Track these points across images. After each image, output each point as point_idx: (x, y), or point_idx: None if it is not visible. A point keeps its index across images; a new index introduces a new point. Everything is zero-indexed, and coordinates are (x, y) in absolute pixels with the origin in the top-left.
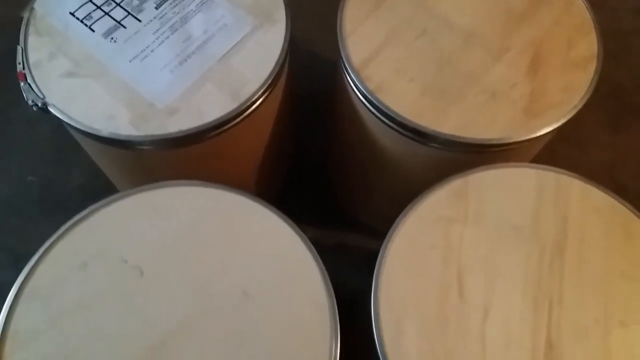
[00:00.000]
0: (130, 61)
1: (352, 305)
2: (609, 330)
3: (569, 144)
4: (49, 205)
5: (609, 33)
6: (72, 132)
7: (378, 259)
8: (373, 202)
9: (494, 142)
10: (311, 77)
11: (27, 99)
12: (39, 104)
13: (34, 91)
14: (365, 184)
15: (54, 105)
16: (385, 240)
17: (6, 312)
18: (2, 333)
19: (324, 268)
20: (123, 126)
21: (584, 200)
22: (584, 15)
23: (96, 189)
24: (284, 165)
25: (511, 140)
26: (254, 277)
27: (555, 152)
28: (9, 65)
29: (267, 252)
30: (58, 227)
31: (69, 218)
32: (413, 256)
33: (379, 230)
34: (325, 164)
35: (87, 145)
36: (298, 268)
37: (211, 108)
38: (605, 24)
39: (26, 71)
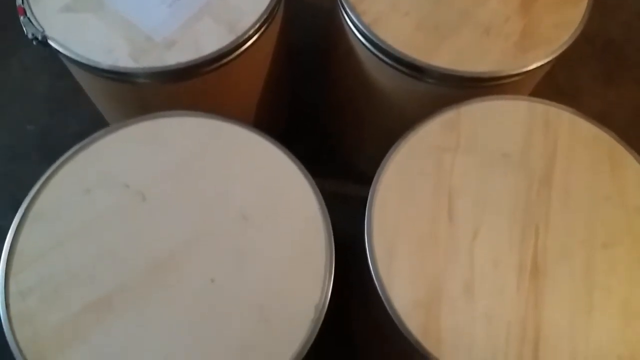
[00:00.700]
0: None
1: (347, 251)
2: (593, 252)
3: (562, 97)
4: (48, 152)
5: None
6: (71, 67)
7: (372, 185)
8: (368, 144)
9: (486, 75)
10: (306, 29)
11: (27, 33)
12: (39, 37)
13: (33, 25)
14: (361, 125)
15: (53, 39)
16: (379, 168)
17: (12, 233)
18: (8, 253)
19: (319, 193)
20: (122, 59)
21: (572, 130)
22: None
23: None
24: (280, 111)
25: (503, 74)
26: (252, 203)
27: None
28: (8, 10)
29: (265, 179)
30: None
31: None
32: (405, 183)
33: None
34: (321, 112)
35: (85, 81)
36: (295, 194)
37: (209, 41)
38: None
39: (25, 5)
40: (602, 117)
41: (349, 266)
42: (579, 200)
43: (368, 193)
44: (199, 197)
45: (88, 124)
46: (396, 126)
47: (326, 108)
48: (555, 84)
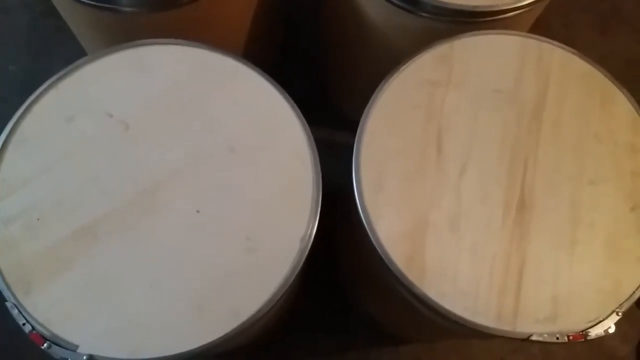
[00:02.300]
0: None
1: (337, 197)
2: (579, 188)
3: None
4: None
5: None
6: None
7: (362, 117)
8: (360, 86)
9: (479, 9)
10: None
11: None
12: None
13: None
14: (354, 65)
15: None
16: (370, 100)
17: None
18: None
19: (307, 125)
20: None
21: (564, 66)
22: None
23: None
24: (271, 50)
25: (498, 8)
26: (239, 135)
27: None
28: None
29: (252, 112)
30: None
31: None
32: (395, 115)
33: None
34: (315, 56)
35: (67, 12)
36: (282, 126)
37: None
38: None
39: None
40: None
41: (337, 212)
42: (568, 136)
43: None
44: (184, 127)
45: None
46: (389, 66)
47: (319, 50)
48: (550, 32)
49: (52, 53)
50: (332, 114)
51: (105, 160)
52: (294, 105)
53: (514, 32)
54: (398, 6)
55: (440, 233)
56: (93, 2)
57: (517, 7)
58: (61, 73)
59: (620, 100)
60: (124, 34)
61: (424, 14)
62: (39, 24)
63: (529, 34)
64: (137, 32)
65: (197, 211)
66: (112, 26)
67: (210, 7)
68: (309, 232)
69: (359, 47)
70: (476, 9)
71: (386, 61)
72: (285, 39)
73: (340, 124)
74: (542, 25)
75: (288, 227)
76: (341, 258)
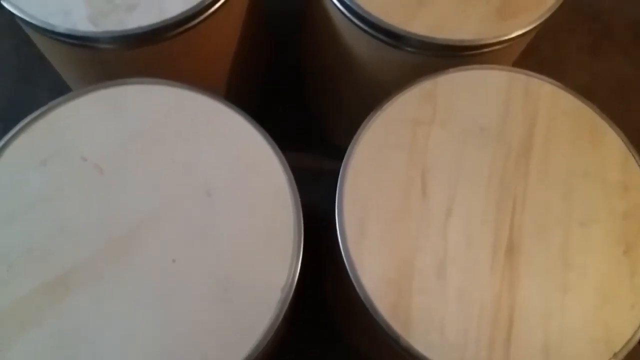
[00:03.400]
0: None
1: (323, 225)
2: (570, 229)
3: (546, 67)
4: (15, 123)
5: None
6: (28, 31)
7: (344, 158)
8: (345, 115)
9: (465, 43)
10: None
11: None
12: None
13: None
14: (338, 94)
15: (7, 0)
16: (353, 140)
17: None
18: None
19: (288, 167)
20: (80, 22)
21: (552, 102)
22: None
23: None
24: (254, 78)
25: (483, 42)
26: (217, 177)
27: None
28: None
29: (230, 153)
30: None
31: None
32: (379, 156)
33: None
34: (299, 81)
35: (45, 47)
36: (262, 168)
37: (173, 3)
38: None
39: None
40: (586, 89)
41: (322, 240)
42: (557, 175)
43: None
44: (160, 170)
45: (56, 92)
46: (374, 96)
47: (304, 76)
48: (539, 53)
49: (35, 82)
50: (318, 138)
51: (78, 207)
52: (274, 145)
53: (499, 66)
54: (382, 41)
55: (427, 279)
56: (69, 40)
57: (504, 40)
58: (34, 115)
59: (610, 136)
60: (100, 68)
61: (408, 49)
62: (20, 52)
63: (516, 69)
64: (113, 66)
65: (173, 260)
66: (86, 60)
67: (188, 43)
68: (289, 280)
69: (343, 80)
70: (462, 44)
71: (370, 95)
72: (270, 68)
73: (326, 148)
74: (532, 46)
75: (268, 276)
76: (329, 293)
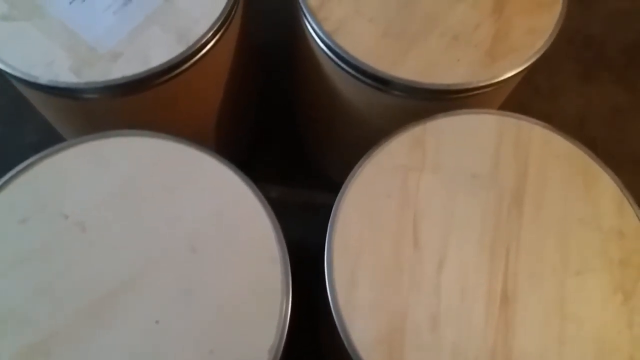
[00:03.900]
0: (70, 3)
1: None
2: (565, 280)
3: (540, 96)
4: (2, 165)
5: None
6: (11, 80)
7: (333, 207)
8: (336, 152)
9: (455, 87)
10: (276, 24)
11: None
12: None
13: None
14: (328, 134)
15: None
16: (342, 188)
17: None
18: None
19: (276, 221)
20: (63, 73)
21: (544, 147)
22: None
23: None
24: (246, 120)
25: (473, 85)
26: (202, 232)
27: (525, 104)
28: None
29: (216, 206)
30: None
31: None
32: (369, 205)
33: None
34: (291, 117)
35: (30, 95)
36: (249, 223)
37: (157, 52)
38: None
39: None
40: (580, 117)
41: (317, 279)
42: (552, 222)
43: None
44: (143, 227)
45: (45, 133)
46: (364, 136)
47: (294, 114)
48: (533, 82)
49: (23, 123)
50: (312, 172)
51: (58, 268)
52: (262, 197)
53: (489, 110)
54: (368, 84)
55: (420, 334)
56: (52, 91)
57: (494, 83)
58: (15, 171)
59: (605, 181)
60: (85, 117)
61: (397, 93)
62: (7, 93)
63: (506, 112)
64: (97, 115)
65: (156, 322)
66: (70, 110)
67: (174, 91)
68: (277, 341)
69: (331, 117)
70: (450, 88)
71: (360, 130)
72: (260, 102)
73: (320, 182)
74: (525, 75)
75: (255, 337)
76: (323, 340)
